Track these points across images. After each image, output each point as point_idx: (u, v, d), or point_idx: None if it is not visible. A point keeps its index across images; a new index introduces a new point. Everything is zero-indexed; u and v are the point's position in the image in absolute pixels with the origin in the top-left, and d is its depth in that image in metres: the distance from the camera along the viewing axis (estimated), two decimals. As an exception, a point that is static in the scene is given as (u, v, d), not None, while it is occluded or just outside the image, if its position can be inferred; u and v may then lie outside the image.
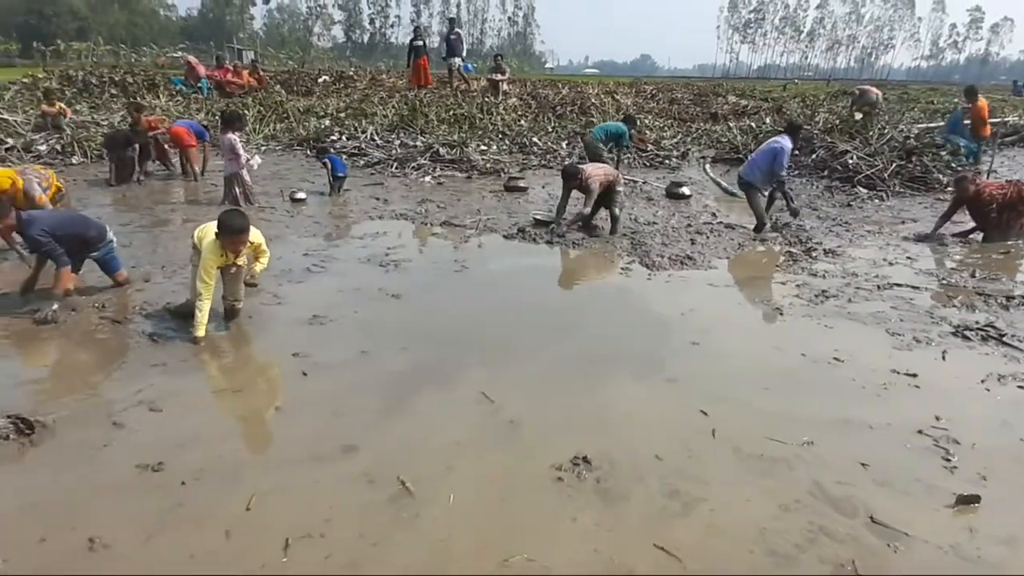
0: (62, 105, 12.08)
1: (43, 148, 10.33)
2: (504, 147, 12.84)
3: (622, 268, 6.34)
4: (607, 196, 7.61)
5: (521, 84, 22.11)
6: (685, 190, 9.84)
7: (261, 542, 2.52)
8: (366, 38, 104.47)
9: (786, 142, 7.70)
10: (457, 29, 18.33)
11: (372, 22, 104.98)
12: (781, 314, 5.22)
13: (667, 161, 12.83)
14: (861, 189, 10.05)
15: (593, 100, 18.34)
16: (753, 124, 14.96)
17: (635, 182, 10.51)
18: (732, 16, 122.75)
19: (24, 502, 2.73)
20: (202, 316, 4.26)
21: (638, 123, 13.31)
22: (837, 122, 13.52)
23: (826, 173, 11.15)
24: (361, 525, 2.64)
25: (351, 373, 4.04)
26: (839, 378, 4.14)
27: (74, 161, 10.46)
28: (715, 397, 3.79)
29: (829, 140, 11.87)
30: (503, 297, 5.53)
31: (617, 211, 7.61)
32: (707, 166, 12.45)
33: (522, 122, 14.77)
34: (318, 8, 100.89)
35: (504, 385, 3.84)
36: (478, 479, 2.98)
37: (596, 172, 7.63)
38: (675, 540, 2.59)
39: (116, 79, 16.39)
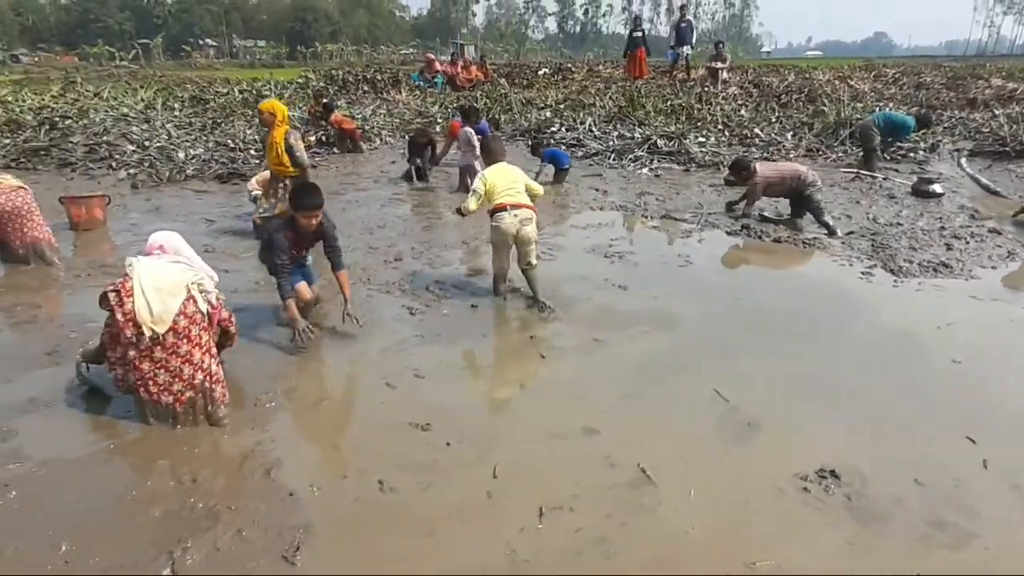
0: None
1: (312, 139, 12.00)
2: (723, 139, 12.36)
3: (862, 272, 5.86)
4: (800, 203, 7.20)
5: (741, 72, 21.02)
6: (936, 187, 8.74)
7: (517, 507, 2.79)
8: (577, 28, 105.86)
9: None
10: (688, 17, 17.89)
11: (585, 12, 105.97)
12: (1070, 338, 4.50)
13: (912, 154, 11.47)
14: None
15: (824, 87, 16.88)
16: (1027, 111, 12.75)
17: (873, 178, 9.56)
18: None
19: (327, 444, 3.29)
20: None
21: (932, 125, 11.64)
22: None
23: None
24: (606, 505, 2.80)
25: (586, 359, 4.24)
26: None
27: (336, 151, 12.03)
28: (983, 424, 3.41)
29: None
30: (730, 295, 5.38)
31: (827, 218, 7.09)
32: (963, 160, 10.93)
33: (742, 112, 14.08)
34: (534, 1, 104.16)
35: (738, 385, 3.78)
36: (717, 477, 3.00)
37: (766, 171, 7.24)
38: (944, 573, 2.42)
39: (368, 77, 18.48)
